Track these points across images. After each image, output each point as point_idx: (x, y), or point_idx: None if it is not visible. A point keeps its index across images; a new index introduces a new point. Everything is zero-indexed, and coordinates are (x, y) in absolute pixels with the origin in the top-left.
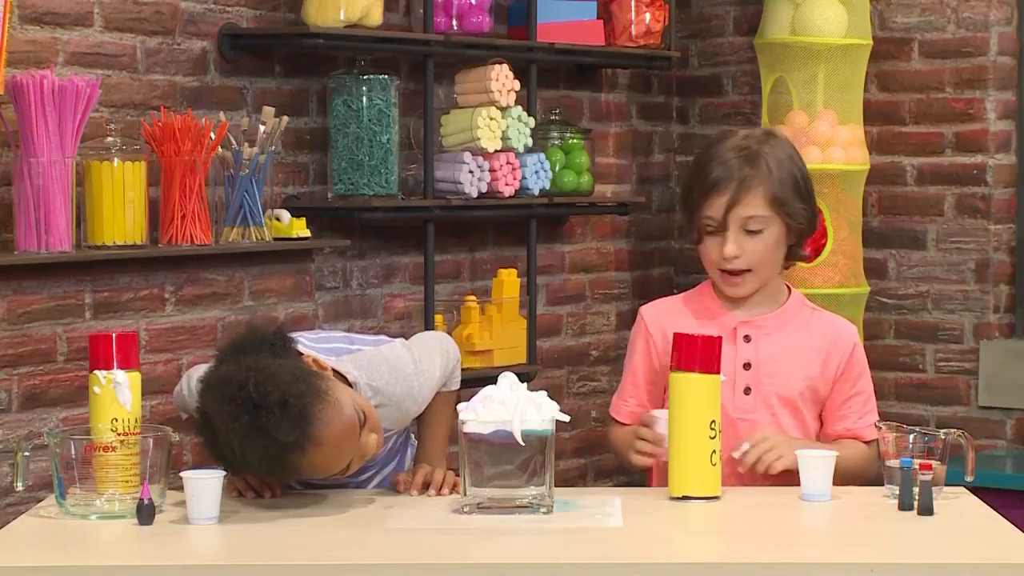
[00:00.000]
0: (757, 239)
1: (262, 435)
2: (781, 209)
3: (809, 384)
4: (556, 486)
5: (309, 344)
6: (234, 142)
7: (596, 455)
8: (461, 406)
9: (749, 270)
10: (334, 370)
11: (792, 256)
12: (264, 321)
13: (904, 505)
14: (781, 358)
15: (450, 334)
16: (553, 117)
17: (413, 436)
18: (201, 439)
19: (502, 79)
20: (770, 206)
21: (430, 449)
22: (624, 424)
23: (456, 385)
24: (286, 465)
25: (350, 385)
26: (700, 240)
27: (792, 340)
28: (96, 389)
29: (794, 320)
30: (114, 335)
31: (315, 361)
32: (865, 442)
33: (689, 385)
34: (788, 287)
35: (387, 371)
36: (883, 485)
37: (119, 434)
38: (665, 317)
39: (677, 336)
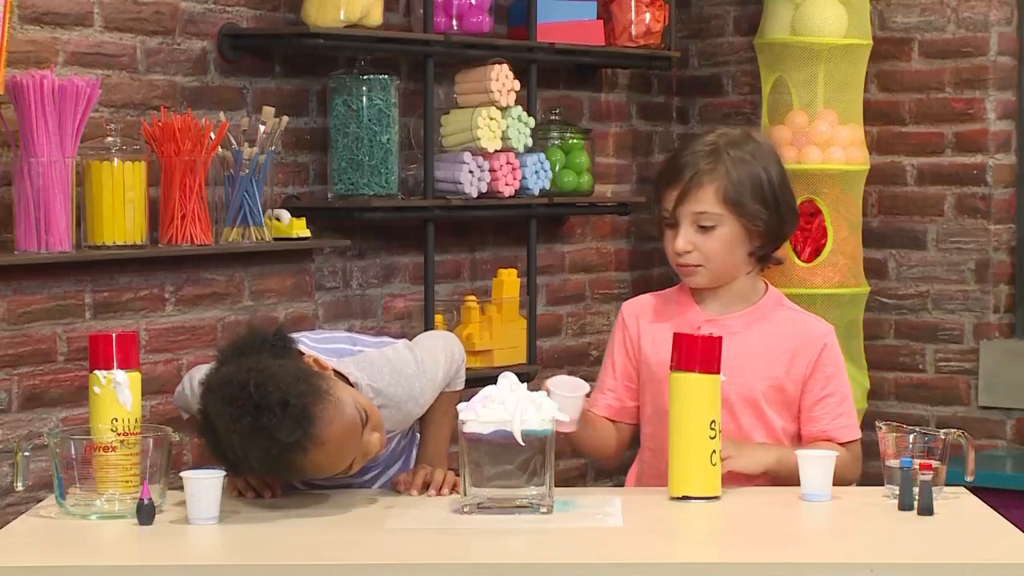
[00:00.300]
0: (709, 236)
1: (264, 436)
2: (735, 209)
3: (773, 384)
4: (556, 486)
5: (311, 344)
6: (234, 142)
7: None
8: (461, 406)
9: (702, 265)
10: (336, 371)
11: (760, 259)
12: (264, 321)
13: (904, 505)
14: (744, 358)
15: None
16: (553, 117)
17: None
18: (203, 440)
19: (502, 79)
20: (723, 204)
21: (431, 449)
22: (598, 416)
23: (460, 386)
24: (288, 465)
25: (352, 386)
26: (662, 233)
27: (758, 340)
28: (96, 389)
29: (764, 319)
30: (114, 335)
31: (316, 361)
32: (841, 443)
33: (689, 385)
34: (766, 285)
35: (388, 372)
36: (882, 485)
37: (119, 434)
38: (640, 313)
39: (677, 336)
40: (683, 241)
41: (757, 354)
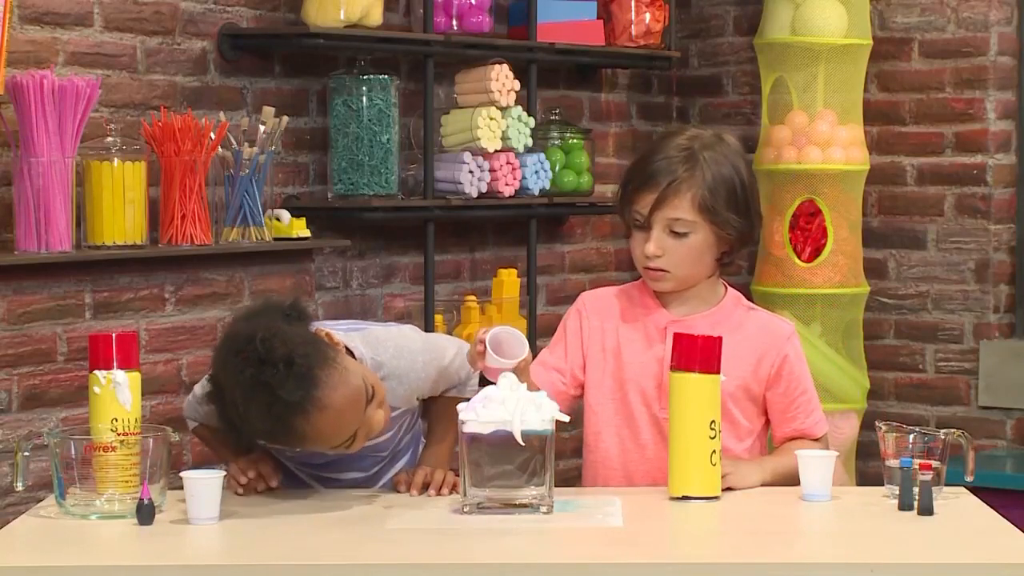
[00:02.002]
0: (681, 242)
1: (266, 391)
2: (709, 216)
3: (740, 384)
4: (556, 486)
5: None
6: (234, 142)
7: None
8: (461, 406)
9: (669, 271)
10: (345, 347)
11: (725, 263)
12: (281, 296)
13: (904, 505)
14: None
15: (450, 334)
16: (553, 117)
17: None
18: (211, 405)
19: (502, 79)
20: (698, 211)
21: (434, 450)
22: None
23: (470, 393)
24: (289, 428)
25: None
26: (629, 233)
27: (725, 341)
28: (96, 389)
29: (727, 320)
30: (114, 335)
31: (328, 335)
32: (815, 439)
33: (689, 385)
34: (725, 285)
35: (392, 347)
36: (882, 485)
37: (119, 434)
38: (604, 311)
39: (677, 336)
40: (654, 246)
41: (725, 355)
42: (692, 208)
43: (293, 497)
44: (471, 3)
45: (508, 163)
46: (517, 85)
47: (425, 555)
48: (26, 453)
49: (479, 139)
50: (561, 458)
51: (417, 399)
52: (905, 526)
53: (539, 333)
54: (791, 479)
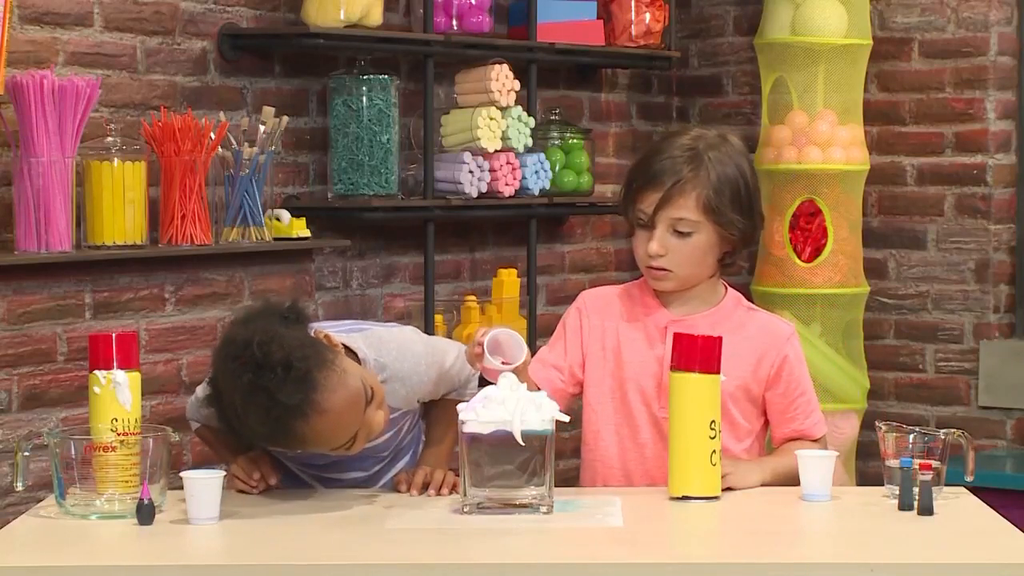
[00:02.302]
0: (684, 241)
1: (264, 395)
2: (713, 217)
3: (740, 385)
4: (556, 486)
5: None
6: (234, 142)
7: None
8: (461, 406)
9: (671, 271)
10: (345, 347)
11: (727, 263)
12: (279, 297)
13: (904, 505)
14: None
15: (450, 334)
16: (553, 117)
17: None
18: (211, 408)
19: (502, 79)
20: (702, 212)
21: (434, 451)
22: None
23: (469, 395)
24: (288, 431)
25: (359, 363)
26: (632, 232)
27: (725, 341)
28: (96, 389)
29: (728, 320)
30: (114, 335)
31: (327, 337)
32: (814, 440)
33: (689, 385)
34: (725, 286)
35: (395, 348)
36: (882, 485)
37: (119, 434)
38: (604, 309)
39: (677, 336)
40: (658, 244)
41: (725, 355)
42: (697, 208)
43: (293, 497)
44: (471, 3)
45: (508, 163)
46: (517, 85)
47: (425, 555)
48: (26, 453)
49: (479, 139)
50: (561, 458)
51: (418, 401)
52: (905, 526)
53: (539, 333)
54: (791, 479)
